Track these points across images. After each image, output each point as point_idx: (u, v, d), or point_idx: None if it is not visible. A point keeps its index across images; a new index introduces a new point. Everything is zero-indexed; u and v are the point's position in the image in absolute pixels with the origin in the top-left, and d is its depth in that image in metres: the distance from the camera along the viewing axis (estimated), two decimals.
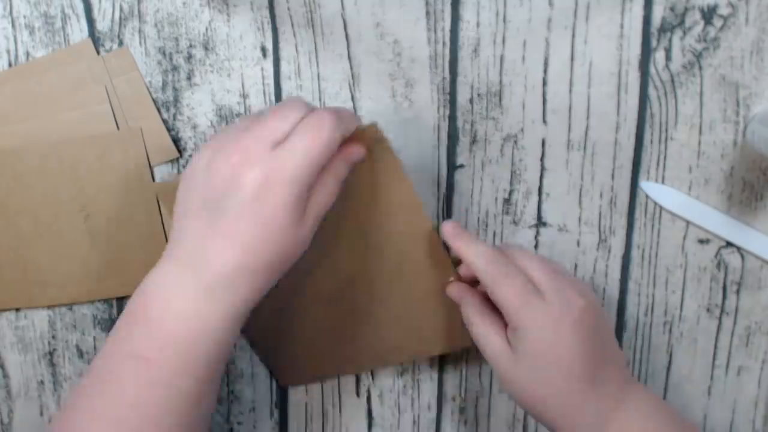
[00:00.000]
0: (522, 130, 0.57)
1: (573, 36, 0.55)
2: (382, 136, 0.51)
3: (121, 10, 0.56)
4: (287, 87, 0.57)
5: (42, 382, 0.63)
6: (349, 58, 0.56)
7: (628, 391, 0.51)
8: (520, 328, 0.50)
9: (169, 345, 0.47)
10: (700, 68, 0.55)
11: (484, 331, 0.52)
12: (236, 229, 0.46)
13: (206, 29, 0.56)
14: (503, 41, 0.55)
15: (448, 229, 0.53)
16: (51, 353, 0.62)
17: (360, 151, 0.50)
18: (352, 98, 0.57)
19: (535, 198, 0.58)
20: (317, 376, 0.62)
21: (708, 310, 0.59)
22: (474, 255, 0.52)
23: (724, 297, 0.59)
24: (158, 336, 0.47)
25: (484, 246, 0.52)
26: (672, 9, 0.54)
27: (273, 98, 0.57)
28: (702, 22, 0.54)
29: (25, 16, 0.56)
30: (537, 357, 0.50)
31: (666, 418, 0.51)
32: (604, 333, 0.52)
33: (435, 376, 0.62)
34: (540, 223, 0.58)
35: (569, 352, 0.49)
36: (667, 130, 0.56)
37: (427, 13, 0.55)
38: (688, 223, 0.57)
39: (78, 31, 0.57)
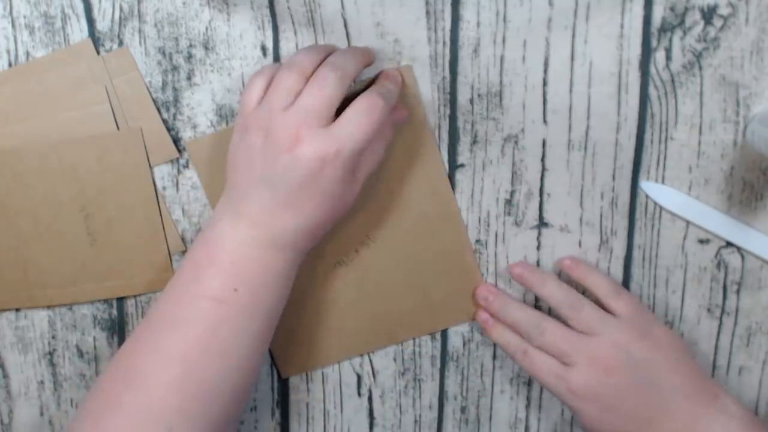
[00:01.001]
0: (522, 130, 0.57)
1: (573, 36, 0.55)
2: (413, 81, 0.56)
3: (121, 10, 0.56)
4: None
5: (42, 382, 0.63)
6: None
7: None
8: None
9: (242, 286, 0.51)
10: (700, 68, 0.55)
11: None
12: (297, 201, 0.51)
13: (206, 29, 0.56)
14: (503, 41, 0.55)
15: (518, 270, 0.58)
16: (51, 353, 0.62)
17: (405, 114, 0.56)
18: None
19: (536, 198, 0.58)
20: (320, 360, 0.62)
21: (708, 310, 0.59)
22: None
23: (725, 297, 0.59)
24: (232, 278, 0.51)
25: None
26: (672, 9, 0.54)
27: None
28: (702, 22, 0.54)
29: (25, 16, 0.56)
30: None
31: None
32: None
33: (436, 375, 0.62)
34: (542, 223, 0.58)
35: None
36: (667, 130, 0.56)
37: (427, 12, 0.55)
38: (688, 223, 0.57)
39: (78, 31, 0.56)
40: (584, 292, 0.57)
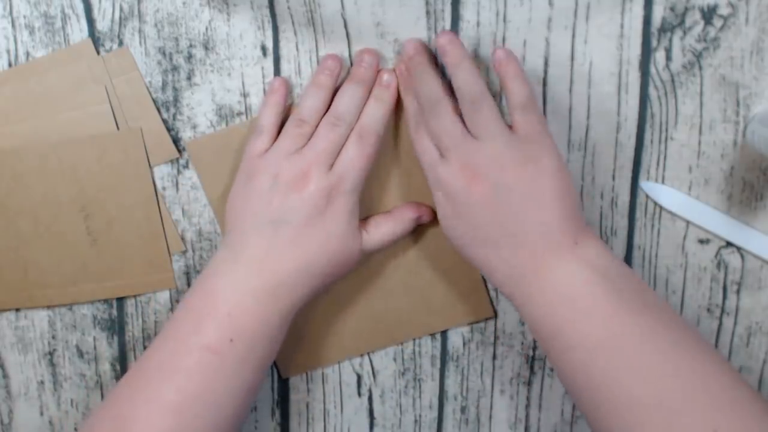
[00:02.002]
0: None
1: (573, 36, 0.55)
2: None
3: (121, 10, 0.56)
4: None
5: (42, 382, 0.63)
6: (350, 57, 0.56)
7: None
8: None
9: (238, 337, 0.51)
10: (700, 68, 0.55)
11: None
12: (301, 240, 0.52)
13: (206, 29, 0.56)
14: (503, 41, 0.55)
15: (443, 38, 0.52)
16: (51, 353, 0.62)
17: (430, 215, 0.58)
18: None
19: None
20: (320, 360, 0.62)
21: (708, 310, 0.59)
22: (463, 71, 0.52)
23: (725, 297, 0.59)
24: (228, 329, 0.51)
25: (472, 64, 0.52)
26: (672, 9, 0.54)
27: None
28: (702, 22, 0.54)
29: (25, 16, 0.56)
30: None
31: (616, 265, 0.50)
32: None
33: (436, 375, 0.62)
34: None
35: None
36: (667, 130, 0.56)
37: (427, 12, 0.55)
38: (688, 223, 0.57)
39: (78, 31, 0.56)
40: None
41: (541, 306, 0.49)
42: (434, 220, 0.58)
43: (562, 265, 0.49)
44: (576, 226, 0.50)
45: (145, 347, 0.61)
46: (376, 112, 0.54)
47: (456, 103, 0.52)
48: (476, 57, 0.55)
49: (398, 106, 0.56)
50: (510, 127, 0.51)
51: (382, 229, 0.56)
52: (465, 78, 0.51)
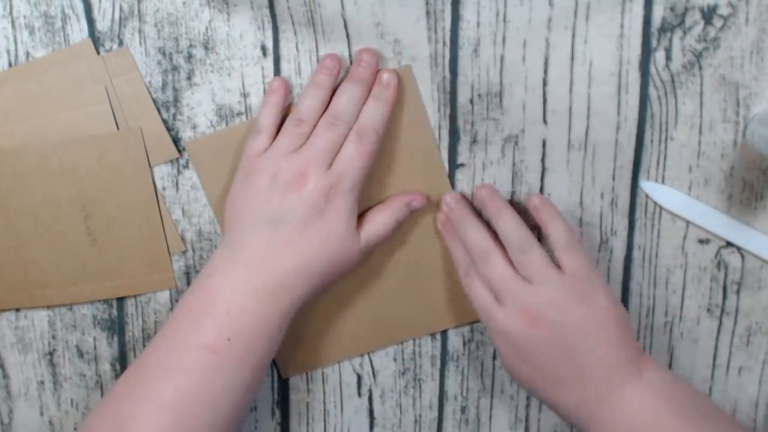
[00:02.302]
0: (522, 130, 0.57)
1: (573, 36, 0.55)
2: (413, 81, 0.56)
3: (121, 10, 0.56)
4: None
5: (42, 382, 0.63)
6: (350, 57, 0.56)
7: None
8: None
9: (236, 337, 0.51)
10: (700, 68, 0.55)
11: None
12: (300, 239, 0.52)
13: (206, 29, 0.56)
14: (503, 41, 0.55)
15: (483, 192, 0.56)
16: (51, 353, 0.62)
17: (423, 203, 0.58)
18: None
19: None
20: (321, 360, 0.62)
21: (708, 310, 0.59)
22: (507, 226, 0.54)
23: (725, 297, 0.59)
24: (227, 329, 0.51)
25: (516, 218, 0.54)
26: (672, 9, 0.54)
27: None
28: (702, 22, 0.54)
29: (25, 16, 0.56)
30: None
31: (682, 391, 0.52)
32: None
33: (436, 375, 0.62)
34: None
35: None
36: (667, 130, 0.56)
37: (428, 12, 0.55)
38: (688, 223, 0.57)
39: (78, 31, 0.56)
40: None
41: None
42: (433, 221, 0.58)
43: (630, 393, 0.50)
44: (637, 355, 0.52)
45: (145, 347, 0.61)
46: (376, 111, 0.54)
47: (503, 249, 0.54)
48: (476, 54, 0.56)
49: (397, 105, 0.56)
50: (558, 267, 0.53)
51: (376, 222, 0.56)
52: (509, 226, 0.53)
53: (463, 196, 0.57)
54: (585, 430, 0.52)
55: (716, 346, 0.60)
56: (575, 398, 0.51)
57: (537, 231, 0.56)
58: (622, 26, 0.54)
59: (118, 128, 0.58)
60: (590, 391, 0.51)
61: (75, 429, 0.64)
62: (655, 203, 0.57)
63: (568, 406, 0.52)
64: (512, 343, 0.52)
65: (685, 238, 0.58)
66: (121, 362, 0.62)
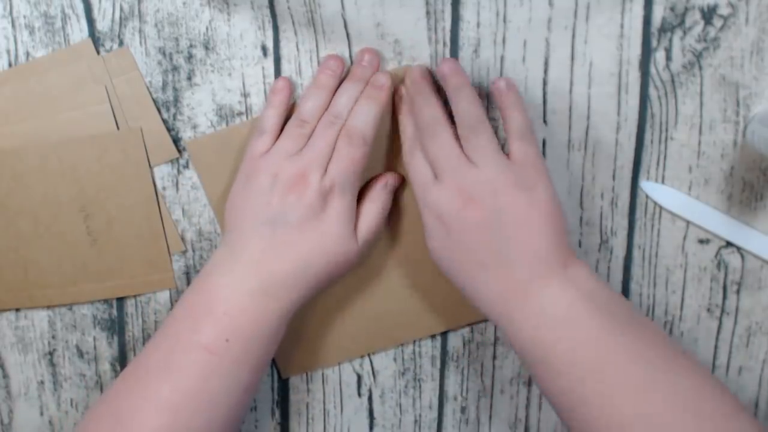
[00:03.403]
0: None
1: (573, 36, 0.55)
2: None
3: (121, 10, 0.56)
4: None
5: (42, 382, 0.63)
6: (351, 57, 0.56)
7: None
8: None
9: (235, 337, 0.51)
10: (700, 68, 0.55)
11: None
12: (298, 240, 0.52)
13: (206, 29, 0.56)
14: (503, 41, 0.55)
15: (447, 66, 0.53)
16: (51, 353, 0.62)
17: (396, 179, 0.57)
18: None
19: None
20: (321, 361, 0.62)
21: (708, 310, 0.59)
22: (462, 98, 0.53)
23: (725, 297, 0.59)
24: (225, 329, 0.51)
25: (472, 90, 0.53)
26: (672, 9, 0.54)
27: None
28: (702, 22, 0.54)
29: (25, 16, 0.56)
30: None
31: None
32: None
33: (436, 375, 0.62)
34: None
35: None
36: (667, 130, 0.56)
37: (428, 13, 0.55)
38: (688, 223, 0.57)
39: (78, 31, 0.56)
40: None
41: (528, 330, 0.50)
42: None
43: (549, 288, 0.49)
44: (565, 252, 0.51)
45: (144, 346, 0.61)
46: (366, 113, 0.54)
47: (455, 129, 0.52)
48: (476, 54, 0.56)
49: (393, 107, 0.56)
50: (507, 155, 0.52)
51: (362, 215, 0.55)
52: (465, 104, 0.52)
53: (430, 72, 0.55)
54: (504, 325, 0.51)
55: (716, 346, 0.60)
56: (496, 287, 0.50)
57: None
58: (622, 26, 0.54)
59: (118, 128, 0.58)
60: (511, 281, 0.50)
61: (75, 426, 0.64)
62: (655, 203, 0.57)
63: (489, 296, 0.51)
64: (443, 221, 0.51)
65: (685, 238, 0.58)
66: (121, 362, 0.62)
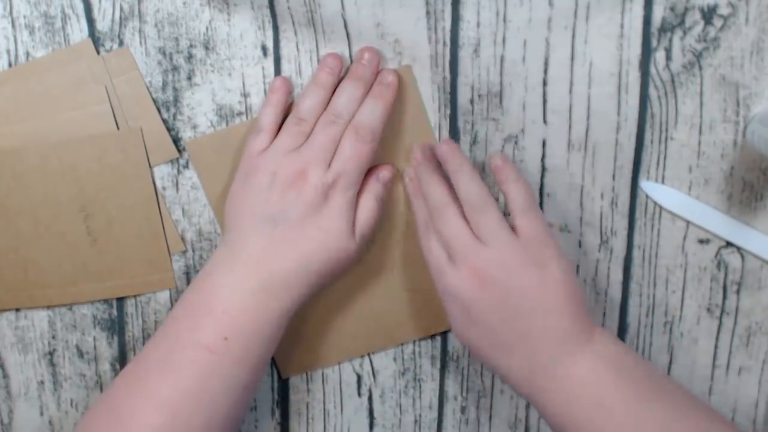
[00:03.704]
0: (522, 130, 0.57)
1: (573, 36, 0.55)
2: (413, 81, 0.56)
3: (121, 10, 0.56)
4: None
5: (42, 382, 0.63)
6: (351, 57, 0.56)
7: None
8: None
9: (234, 337, 0.51)
10: (700, 68, 0.55)
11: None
12: (298, 238, 0.52)
13: (206, 29, 0.56)
14: (503, 41, 0.55)
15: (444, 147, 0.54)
16: (51, 353, 0.62)
17: (390, 171, 0.57)
18: None
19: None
20: (320, 361, 0.62)
21: (708, 310, 0.59)
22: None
23: (725, 297, 0.59)
24: (224, 328, 0.51)
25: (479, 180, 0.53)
26: (672, 9, 0.54)
27: None
28: (702, 22, 0.54)
29: (25, 16, 0.56)
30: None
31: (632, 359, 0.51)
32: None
33: (436, 375, 0.62)
34: None
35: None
36: (667, 130, 0.56)
37: (428, 12, 0.55)
38: (688, 223, 0.57)
39: (78, 31, 0.56)
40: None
41: (560, 405, 0.50)
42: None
43: (577, 362, 0.50)
44: (586, 324, 0.51)
45: (144, 345, 0.61)
46: (374, 110, 0.54)
47: (462, 208, 0.53)
48: (476, 54, 0.56)
49: (397, 106, 0.56)
50: (514, 229, 0.52)
51: (360, 209, 0.55)
52: (466, 184, 0.52)
53: (432, 152, 0.56)
54: (534, 403, 0.51)
55: (716, 346, 0.60)
56: (523, 368, 0.51)
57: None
58: (622, 26, 0.54)
59: (118, 128, 0.58)
60: (537, 361, 0.50)
61: (75, 425, 0.64)
62: (655, 203, 0.57)
63: (518, 377, 0.51)
64: (462, 304, 0.51)
65: (685, 238, 0.58)
66: (121, 362, 0.62)
